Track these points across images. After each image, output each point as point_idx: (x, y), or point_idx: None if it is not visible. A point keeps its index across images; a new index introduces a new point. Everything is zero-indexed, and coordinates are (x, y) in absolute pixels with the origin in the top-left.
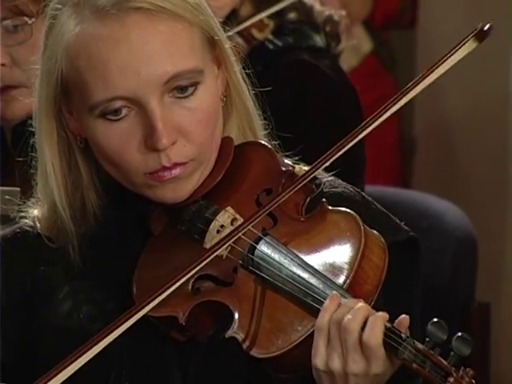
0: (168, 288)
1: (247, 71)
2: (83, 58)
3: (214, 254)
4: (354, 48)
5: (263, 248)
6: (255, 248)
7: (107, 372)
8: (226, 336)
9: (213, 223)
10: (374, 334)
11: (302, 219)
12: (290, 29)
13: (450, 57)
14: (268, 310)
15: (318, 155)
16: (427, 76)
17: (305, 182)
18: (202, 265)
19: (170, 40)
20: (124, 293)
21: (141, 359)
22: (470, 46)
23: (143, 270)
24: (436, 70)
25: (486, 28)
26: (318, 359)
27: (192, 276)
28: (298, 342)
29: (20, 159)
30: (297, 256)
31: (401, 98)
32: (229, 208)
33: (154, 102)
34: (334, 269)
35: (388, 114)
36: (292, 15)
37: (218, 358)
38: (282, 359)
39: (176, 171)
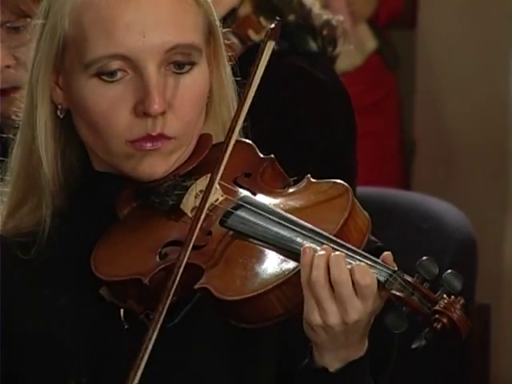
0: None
1: (237, 78)
2: (90, 12)
3: (202, 217)
4: (359, 46)
5: (239, 212)
6: (232, 213)
7: (66, 371)
8: (196, 287)
9: (192, 186)
10: (366, 274)
11: (285, 192)
12: (286, 32)
13: (258, 69)
14: (243, 259)
15: (311, 159)
16: (249, 91)
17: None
18: (197, 228)
19: (179, 11)
20: (81, 278)
21: (99, 352)
22: (269, 46)
23: (102, 247)
24: (254, 83)
25: (272, 26)
26: (314, 316)
27: (161, 244)
28: (275, 284)
29: None
30: (275, 212)
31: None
32: (209, 174)
33: (152, 68)
34: (319, 221)
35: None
36: (290, 17)
37: (177, 343)
38: (255, 303)
39: (158, 144)
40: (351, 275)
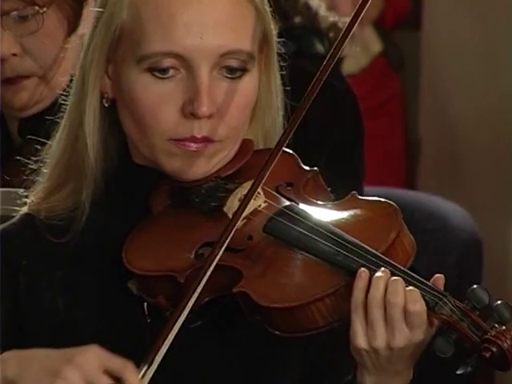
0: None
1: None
2: (150, 6)
3: (241, 217)
4: (365, 48)
5: (285, 220)
6: (276, 219)
7: None
8: (234, 290)
9: (237, 189)
10: (417, 302)
11: (329, 205)
12: (293, 35)
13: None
14: (285, 267)
15: (319, 162)
16: (318, 85)
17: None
18: (233, 229)
19: (238, 16)
20: (107, 270)
21: (120, 343)
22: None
23: (136, 239)
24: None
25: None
26: (360, 338)
27: (198, 243)
28: (319, 296)
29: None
30: (322, 224)
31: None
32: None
33: (205, 70)
34: (366, 238)
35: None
36: (297, 20)
37: (197, 344)
38: (296, 313)
39: (202, 145)
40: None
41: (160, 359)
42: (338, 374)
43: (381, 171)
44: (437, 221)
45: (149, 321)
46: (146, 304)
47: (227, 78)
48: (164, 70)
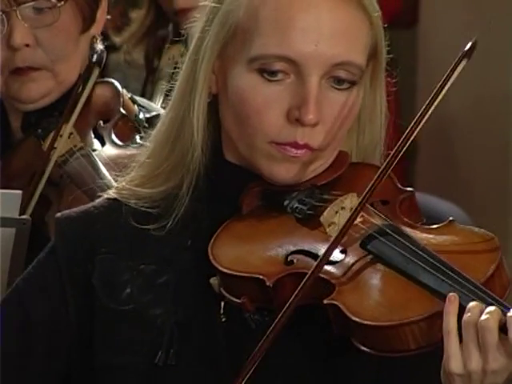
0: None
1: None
2: (269, 8)
3: (343, 233)
4: None
5: (385, 238)
6: (375, 236)
7: (155, 350)
8: (325, 302)
9: (336, 201)
10: None
11: (426, 228)
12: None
13: (446, 83)
14: (379, 285)
15: None
16: (430, 107)
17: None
18: (337, 241)
19: (353, 28)
20: (188, 261)
21: (191, 339)
22: (462, 65)
23: (224, 236)
24: (436, 100)
25: (469, 45)
26: (454, 362)
27: (290, 249)
28: (414, 319)
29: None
30: (422, 248)
31: (411, 135)
32: (354, 194)
33: (316, 78)
34: (465, 267)
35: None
36: None
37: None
38: (389, 333)
39: (302, 152)
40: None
41: (257, 363)
42: None
43: None
44: (433, 220)
45: (223, 320)
46: (223, 303)
47: (335, 88)
48: (273, 73)
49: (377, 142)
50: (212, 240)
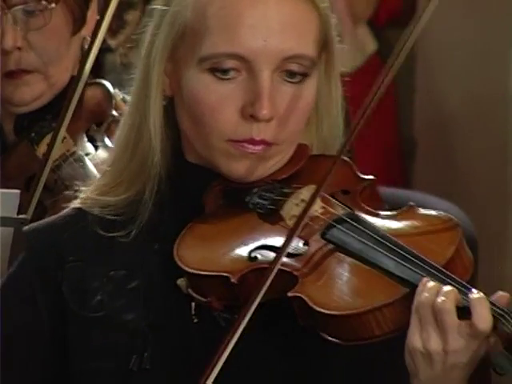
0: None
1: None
2: (216, 6)
3: (300, 226)
4: (359, 48)
5: (345, 227)
6: (335, 226)
7: (129, 355)
8: (289, 295)
9: (296, 194)
10: (485, 317)
11: (386, 215)
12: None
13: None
14: (342, 275)
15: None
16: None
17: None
18: (295, 233)
19: (302, 21)
20: (156, 265)
21: (165, 341)
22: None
23: (188, 237)
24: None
25: None
26: (416, 339)
27: (253, 245)
28: (378, 305)
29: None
30: (383, 234)
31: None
32: (312, 186)
33: (267, 73)
34: (426, 250)
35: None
36: None
37: (245, 345)
38: (353, 321)
39: (259, 148)
40: (467, 313)
41: (225, 358)
42: None
43: (374, 171)
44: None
45: (195, 321)
46: (193, 304)
47: (288, 81)
48: (225, 71)
49: (336, 133)
50: (177, 242)
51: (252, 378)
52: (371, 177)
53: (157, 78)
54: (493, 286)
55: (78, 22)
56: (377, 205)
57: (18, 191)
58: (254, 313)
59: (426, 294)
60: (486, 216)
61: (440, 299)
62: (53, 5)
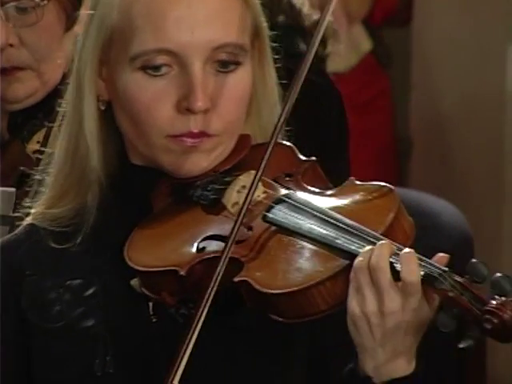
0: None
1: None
2: (140, 5)
3: (243, 212)
4: (354, 47)
5: (283, 207)
6: (274, 208)
7: (92, 361)
8: (235, 280)
9: (235, 181)
10: (412, 269)
11: (327, 192)
12: (276, 34)
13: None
14: (284, 254)
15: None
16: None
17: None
18: (238, 223)
19: (228, 10)
20: (112, 270)
21: (126, 344)
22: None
23: (137, 237)
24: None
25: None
26: (353, 303)
27: (200, 237)
28: (319, 279)
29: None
30: (320, 209)
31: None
32: (253, 171)
33: (198, 65)
34: (365, 220)
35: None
36: (280, 18)
37: (206, 339)
38: (298, 298)
39: (199, 141)
40: (398, 269)
41: (188, 354)
42: (342, 362)
43: (369, 169)
44: (428, 218)
45: (154, 320)
46: (151, 304)
47: (220, 71)
48: (157, 68)
49: (275, 119)
50: (127, 243)
51: (219, 369)
52: (313, 158)
53: (89, 84)
54: (488, 284)
55: (71, 19)
56: (320, 185)
57: (13, 189)
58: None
59: (361, 258)
60: (481, 215)
61: (374, 258)
62: (45, 2)
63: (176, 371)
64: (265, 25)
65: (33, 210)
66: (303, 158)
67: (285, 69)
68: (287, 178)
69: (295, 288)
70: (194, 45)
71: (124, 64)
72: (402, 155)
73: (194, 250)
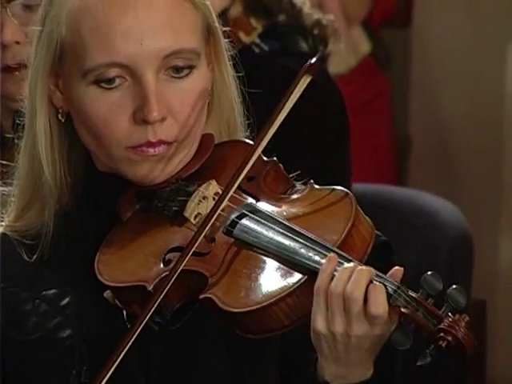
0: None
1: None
2: (87, 20)
3: (210, 223)
4: (353, 49)
5: (245, 221)
6: (237, 222)
7: (68, 371)
8: (200, 297)
9: (195, 192)
10: (381, 303)
11: (288, 198)
12: (277, 33)
13: (288, 100)
14: (247, 269)
15: (303, 160)
16: (274, 122)
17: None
18: (202, 234)
19: (175, 16)
20: (83, 279)
21: (102, 353)
22: (304, 81)
23: (106, 250)
24: (280, 115)
25: (312, 61)
26: (320, 322)
27: (165, 250)
28: (280, 296)
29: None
30: (280, 223)
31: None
32: (213, 181)
33: (150, 75)
34: (323, 230)
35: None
36: (281, 17)
37: (181, 345)
38: (260, 315)
39: (159, 149)
40: (367, 299)
41: (116, 364)
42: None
43: (369, 169)
44: (427, 217)
45: (129, 327)
46: (125, 312)
47: (175, 77)
48: (110, 81)
49: (236, 114)
50: (96, 257)
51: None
52: (274, 158)
53: (40, 99)
54: (486, 283)
55: None
56: (283, 185)
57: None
58: (184, 312)
59: (337, 282)
60: (480, 213)
61: (350, 286)
62: None
63: (103, 378)
64: (216, 24)
65: (5, 222)
66: (264, 158)
67: (286, 68)
68: (249, 183)
69: (256, 306)
70: (144, 55)
71: (77, 78)
72: (401, 155)
73: (160, 263)
